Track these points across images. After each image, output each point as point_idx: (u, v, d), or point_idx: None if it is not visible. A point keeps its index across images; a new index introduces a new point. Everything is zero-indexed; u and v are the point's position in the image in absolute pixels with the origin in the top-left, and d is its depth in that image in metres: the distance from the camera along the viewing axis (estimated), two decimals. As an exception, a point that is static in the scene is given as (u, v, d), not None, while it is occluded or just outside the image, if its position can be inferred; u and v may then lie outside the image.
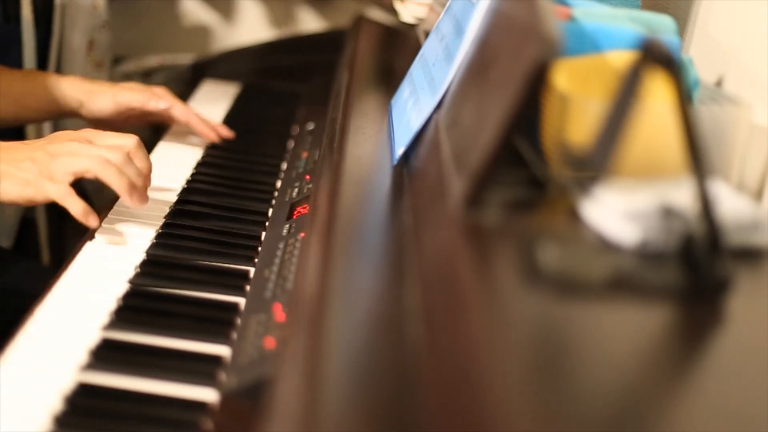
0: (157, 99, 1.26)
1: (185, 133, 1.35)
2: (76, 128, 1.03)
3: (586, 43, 0.82)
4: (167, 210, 1.07)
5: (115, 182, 0.95)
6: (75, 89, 1.25)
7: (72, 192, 0.93)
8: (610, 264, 0.62)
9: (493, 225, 0.69)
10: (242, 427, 0.71)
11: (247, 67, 1.73)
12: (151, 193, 1.13)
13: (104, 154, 0.95)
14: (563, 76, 0.75)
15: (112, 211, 1.04)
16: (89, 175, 0.94)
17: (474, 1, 0.90)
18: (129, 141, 0.99)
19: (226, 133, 1.32)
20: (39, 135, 1.61)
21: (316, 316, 0.68)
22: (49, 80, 1.26)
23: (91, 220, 0.94)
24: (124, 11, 1.94)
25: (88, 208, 0.94)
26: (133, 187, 0.96)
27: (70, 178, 0.94)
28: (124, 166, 0.96)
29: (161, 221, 1.04)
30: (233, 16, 2.05)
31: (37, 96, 1.25)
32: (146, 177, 1.00)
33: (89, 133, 0.99)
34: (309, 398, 0.59)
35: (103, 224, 1.00)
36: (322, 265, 0.74)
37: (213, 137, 1.31)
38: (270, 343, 0.77)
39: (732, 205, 0.67)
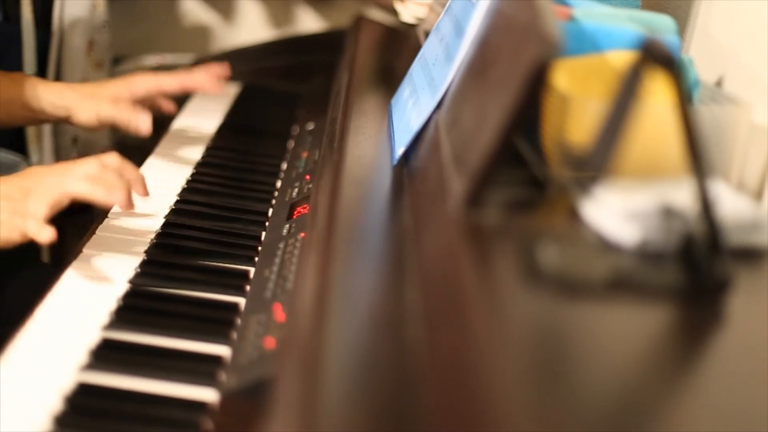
0: (137, 120, 1.19)
1: (185, 134, 1.35)
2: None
3: (586, 43, 0.82)
4: (167, 210, 1.07)
5: (90, 192, 0.89)
6: (61, 98, 1.22)
7: (40, 223, 0.87)
8: (610, 264, 0.62)
9: (493, 225, 0.69)
10: (242, 427, 0.71)
11: (247, 67, 1.72)
12: (151, 193, 1.13)
13: (77, 173, 0.90)
14: (563, 76, 0.75)
15: (111, 212, 1.04)
16: (65, 200, 0.89)
17: (474, 1, 0.90)
18: (110, 160, 0.93)
19: (221, 70, 1.32)
20: (39, 133, 1.61)
21: (316, 316, 0.68)
22: (35, 88, 1.22)
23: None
24: (124, 11, 1.94)
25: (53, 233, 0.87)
26: (115, 190, 0.89)
27: (47, 212, 0.88)
28: (101, 173, 0.90)
29: (161, 221, 1.04)
30: (233, 16, 2.05)
31: (23, 104, 1.22)
32: (142, 185, 0.96)
33: (65, 164, 0.93)
34: (309, 398, 0.59)
35: (103, 224, 1.00)
36: (322, 265, 0.74)
37: (214, 89, 1.30)
38: (270, 343, 0.77)
39: (732, 205, 0.67)
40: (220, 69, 1.34)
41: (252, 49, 1.81)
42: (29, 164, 1.57)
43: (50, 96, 1.22)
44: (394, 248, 0.78)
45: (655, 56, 0.58)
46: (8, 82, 1.23)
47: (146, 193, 0.96)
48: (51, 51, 1.61)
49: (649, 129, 0.65)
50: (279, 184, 1.18)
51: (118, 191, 0.90)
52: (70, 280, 0.90)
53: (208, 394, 0.74)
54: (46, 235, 0.87)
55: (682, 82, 0.59)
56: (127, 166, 0.95)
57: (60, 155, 1.69)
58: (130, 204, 0.92)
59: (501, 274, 0.64)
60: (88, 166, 0.91)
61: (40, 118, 1.27)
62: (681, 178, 0.63)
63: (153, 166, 1.23)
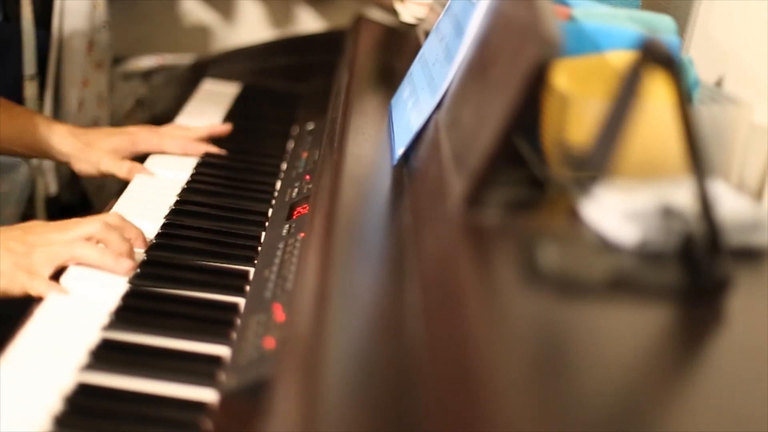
0: (136, 174, 1.20)
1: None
2: None
3: (586, 43, 0.82)
4: (167, 210, 1.07)
5: (98, 261, 0.90)
6: (63, 145, 1.22)
7: (48, 282, 0.88)
8: (610, 264, 0.62)
9: (493, 225, 0.69)
10: (242, 427, 0.71)
11: (247, 67, 1.73)
12: (151, 194, 1.13)
13: (82, 234, 0.91)
14: (563, 76, 0.75)
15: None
16: (70, 263, 0.90)
17: (474, 1, 0.90)
18: (111, 219, 0.94)
19: (223, 129, 1.31)
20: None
21: (316, 316, 0.68)
22: (39, 129, 1.22)
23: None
24: (124, 11, 1.94)
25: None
26: (118, 256, 0.91)
27: (50, 271, 0.89)
28: (105, 237, 0.91)
29: (161, 221, 1.04)
30: (233, 16, 2.05)
31: (24, 143, 1.23)
32: (142, 241, 0.97)
33: (68, 222, 0.93)
34: (309, 398, 0.59)
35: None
36: (322, 265, 0.74)
37: (207, 149, 1.28)
38: (270, 343, 0.77)
39: (732, 205, 0.67)
40: (225, 130, 1.33)
41: (252, 49, 1.81)
42: (29, 165, 1.57)
43: (53, 141, 1.23)
44: (394, 248, 0.78)
45: (655, 56, 0.58)
46: (7, 118, 1.22)
47: (144, 248, 0.97)
48: (51, 51, 1.61)
49: (649, 129, 0.65)
50: (279, 184, 1.18)
51: (125, 261, 0.91)
52: (70, 279, 0.90)
53: (207, 394, 0.74)
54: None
55: (682, 82, 0.59)
56: (128, 225, 0.96)
57: (60, 155, 1.69)
58: (132, 270, 0.92)
59: (501, 274, 0.64)
60: (92, 227, 0.92)
61: (40, 157, 1.28)
62: (681, 178, 0.63)
63: (153, 165, 1.23)
